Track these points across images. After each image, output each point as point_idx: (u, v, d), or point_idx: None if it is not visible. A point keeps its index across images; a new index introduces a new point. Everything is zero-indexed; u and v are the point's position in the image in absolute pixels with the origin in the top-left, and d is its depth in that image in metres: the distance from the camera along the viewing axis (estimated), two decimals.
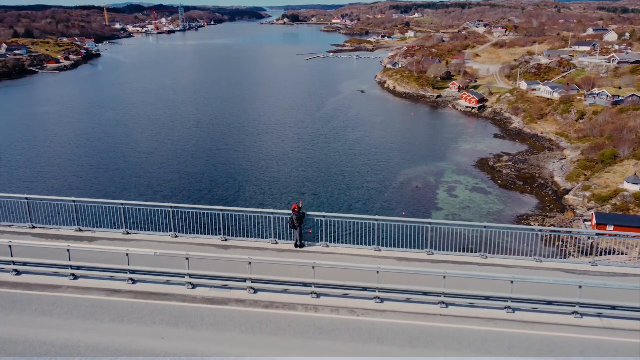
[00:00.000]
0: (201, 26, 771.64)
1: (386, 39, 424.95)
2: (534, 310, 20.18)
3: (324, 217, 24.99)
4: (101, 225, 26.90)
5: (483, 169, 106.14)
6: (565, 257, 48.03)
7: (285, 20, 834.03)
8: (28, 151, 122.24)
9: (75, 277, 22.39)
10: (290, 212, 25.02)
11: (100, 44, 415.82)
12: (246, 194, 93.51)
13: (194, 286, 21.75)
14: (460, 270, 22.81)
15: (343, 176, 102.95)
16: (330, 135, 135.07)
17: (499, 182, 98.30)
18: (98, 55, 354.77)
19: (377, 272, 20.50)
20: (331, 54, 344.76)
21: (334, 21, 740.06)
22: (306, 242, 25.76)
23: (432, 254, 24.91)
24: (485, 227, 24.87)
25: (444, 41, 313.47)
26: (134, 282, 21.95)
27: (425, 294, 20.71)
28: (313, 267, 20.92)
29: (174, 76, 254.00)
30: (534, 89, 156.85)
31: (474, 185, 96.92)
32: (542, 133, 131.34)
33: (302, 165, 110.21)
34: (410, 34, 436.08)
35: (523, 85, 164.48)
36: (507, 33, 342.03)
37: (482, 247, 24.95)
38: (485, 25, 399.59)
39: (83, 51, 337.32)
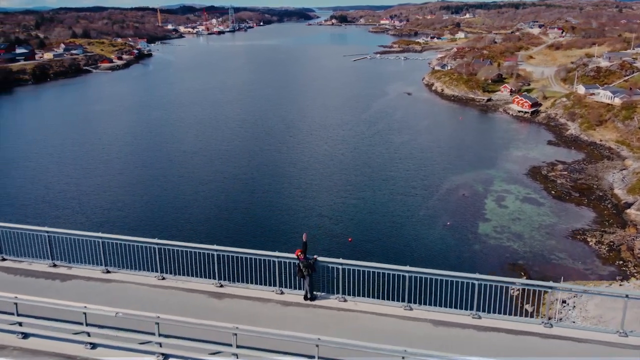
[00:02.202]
0: (250, 27, 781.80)
1: (435, 40, 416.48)
2: None
3: (340, 264, 20.52)
4: (81, 259, 23.00)
5: (535, 178, 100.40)
6: None
7: (333, 21, 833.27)
8: (78, 148, 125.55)
9: (26, 335, 18.51)
10: (296, 258, 21.10)
11: (152, 44, 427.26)
12: (287, 196, 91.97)
13: (166, 357, 17.55)
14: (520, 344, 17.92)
15: (386, 181, 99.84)
16: (374, 138, 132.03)
17: (553, 192, 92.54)
18: (149, 55, 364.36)
19: (403, 358, 15.78)
20: (378, 55, 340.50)
21: (382, 22, 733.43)
22: (318, 294, 21.62)
23: (479, 317, 20.35)
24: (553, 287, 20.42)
25: (495, 42, 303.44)
26: (94, 346, 18.21)
27: None
28: (316, 345, 16.31)
29: (221, 76, 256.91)
30: (593, 94, 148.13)
31: (525, 195, 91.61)
32: (600, 141, 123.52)
33: (344, 168, 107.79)
34: (461, 34, 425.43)
35: (580, 89, 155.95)
36: (564, 34, 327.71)
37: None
38: (540, 26, 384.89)
39: (135, 51, 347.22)
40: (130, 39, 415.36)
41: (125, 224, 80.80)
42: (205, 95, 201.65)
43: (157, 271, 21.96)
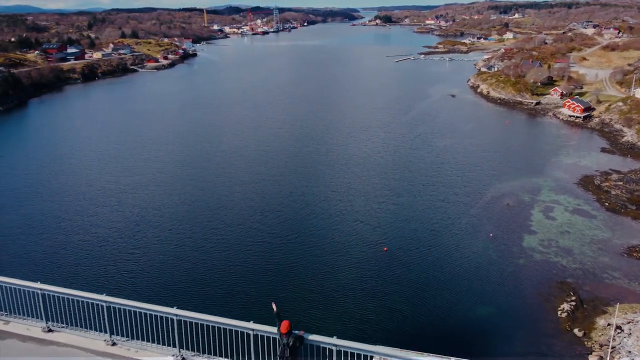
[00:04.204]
0: (294, 27, 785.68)
1: (482, 40, 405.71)
2: None
3: (334, 345, 15.46)
4: (20, 311, 19.09)
5: (587, 188, 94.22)
6: None
7: (378, 21, 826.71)
8: (119, 146, 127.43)
9: None
10: (278, 333, 15.87)
11: (197, 44, 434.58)
12: (323, 199, 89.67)
13: None
14: None
15: (427, 186, 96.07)
16: (415, 141, 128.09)
17: (606, 204, 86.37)
18: (194, 55, 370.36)
19: None
20: (422, 55, 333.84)
21: (427, 22, 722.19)
22: None
23: None
24: None
25: (546, 43, 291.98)
26: None
27: None
28: None
29: (263, 76, 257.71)
30: None
31: (575, 206, 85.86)
32: None
33: (383, 171, 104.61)
34: (509, 35, 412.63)
35: (638, 93, 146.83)
36: (620, 34, 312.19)
37: None
38: (594, 26, 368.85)
39: (181, 51, 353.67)
40: (176, 39, 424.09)
41: (160, 222, 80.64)
42: (247, 95, 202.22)
43: (106, 332, 18.09)
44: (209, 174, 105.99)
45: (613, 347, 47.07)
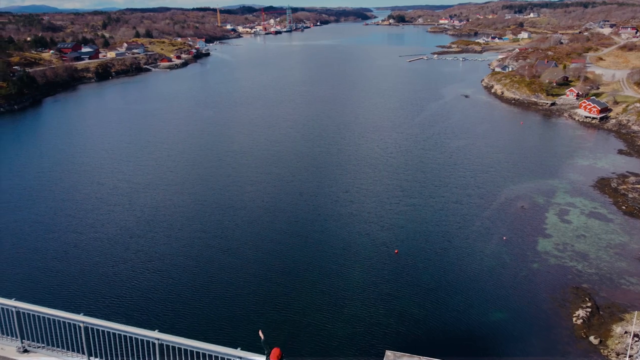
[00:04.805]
0: (307, 27, 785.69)
1: (496, 40, 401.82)
2: None
3: None
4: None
5: (603, 190, 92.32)
6: None
7: (391, 20, 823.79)
8: (130, 145, 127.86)
9: None
10: None
11: (210, 44, 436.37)
12: (334, 199, 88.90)
13: None
14: None
15: (439, 187, 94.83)
16: (428, 142, 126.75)
17: (623, 207, 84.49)
18: (207, 55, 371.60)
19: None
20: (435, 55, 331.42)
21: (441, 22, 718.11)
22: None
23: None
24: None
25: (561, 43, 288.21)
26: None
27: None
28: None
29: (275, 76, 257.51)
30: None
31: (592, 209, 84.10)
32: None
33: (395, 172, 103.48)
34: (524, 35, 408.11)
35: None
36: (638, 34, 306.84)
37: None
38: (611, 26, 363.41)
39: (194, 50, 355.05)
40: (189, 38, 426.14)
41: (171, 221, 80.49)
42: (259, 94, 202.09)
43: (83, 354, 16.97)
44: (220, 174, 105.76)
45: (630, 356, 45.70)
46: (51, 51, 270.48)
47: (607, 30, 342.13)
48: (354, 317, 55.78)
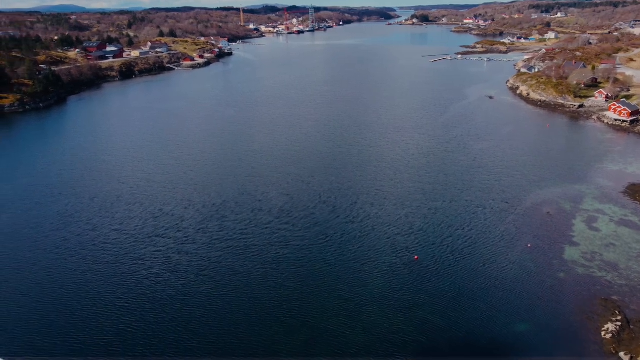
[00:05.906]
0: (330, 27, 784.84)
1: (522, 40, 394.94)
2: None
3: None
4: None
5: (634, 197, 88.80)
6: None
7: (414, 20, 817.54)
8: (152, 144, 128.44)
9: None
10: None
11: (233, 43, 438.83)
12: (354, 201, 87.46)
13: None
14: None
15: (462, 191, 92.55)
16: (451, 143, 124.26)
17: None
18: (230, 54, 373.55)
19: None
20: (459, 55, 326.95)
21: (465, 21, 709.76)
22: None
23: None
24: None
25: (590, 43, 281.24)
26: None
27: None
28: None
29: (297, 75, 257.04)
30: None
31: (622, 217, 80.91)
32: None
33: (417, 174, 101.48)
34: (551, 35, 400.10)
35: None
36: None
37: None
38: None
39: (216, 50, 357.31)
40: (212, 38, 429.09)
41: (189, 221, 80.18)
42: (281, 94, 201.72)
43: None
44: (240, 173, 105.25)
45: None
46: (77, 50, 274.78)
47: (638, 31, 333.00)
48: (373, 324, 54.34)
